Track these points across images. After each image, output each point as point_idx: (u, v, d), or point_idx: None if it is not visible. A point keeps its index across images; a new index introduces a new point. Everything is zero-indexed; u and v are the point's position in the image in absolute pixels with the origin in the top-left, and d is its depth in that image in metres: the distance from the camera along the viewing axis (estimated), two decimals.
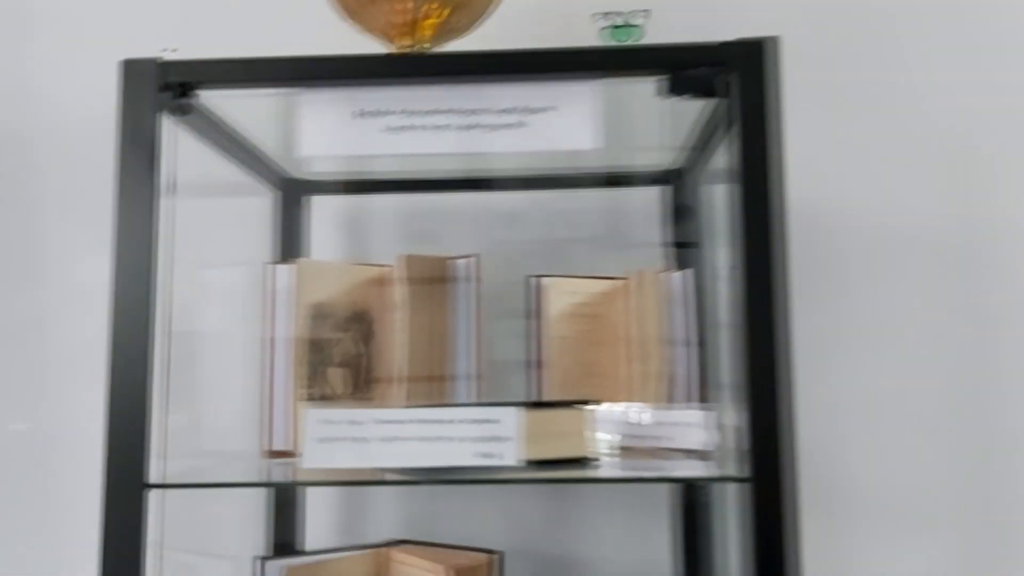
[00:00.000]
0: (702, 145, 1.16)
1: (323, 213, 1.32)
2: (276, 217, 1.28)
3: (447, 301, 1.09)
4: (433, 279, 1.09)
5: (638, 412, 1.02)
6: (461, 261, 1.11)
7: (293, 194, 1.28)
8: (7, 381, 1.38)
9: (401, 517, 1.31)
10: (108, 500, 0.78)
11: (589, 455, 0.90)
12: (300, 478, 1.01)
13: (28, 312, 1.38)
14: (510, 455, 0.82)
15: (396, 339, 1.12)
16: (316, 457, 0.84)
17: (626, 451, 1.01)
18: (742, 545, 0.81)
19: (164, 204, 0.88)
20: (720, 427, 0.99)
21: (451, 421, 0.83)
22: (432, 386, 1.09)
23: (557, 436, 0.88)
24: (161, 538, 0.84)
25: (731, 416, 1.09)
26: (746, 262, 0.83)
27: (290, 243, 1.26)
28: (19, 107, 1.42)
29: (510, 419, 0.83)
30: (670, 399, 1.08)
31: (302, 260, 1.11)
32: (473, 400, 1.09)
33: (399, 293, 1.10)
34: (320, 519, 1.32)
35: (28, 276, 1.39)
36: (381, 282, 1.18)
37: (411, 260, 1.08)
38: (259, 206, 1.28)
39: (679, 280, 1.13)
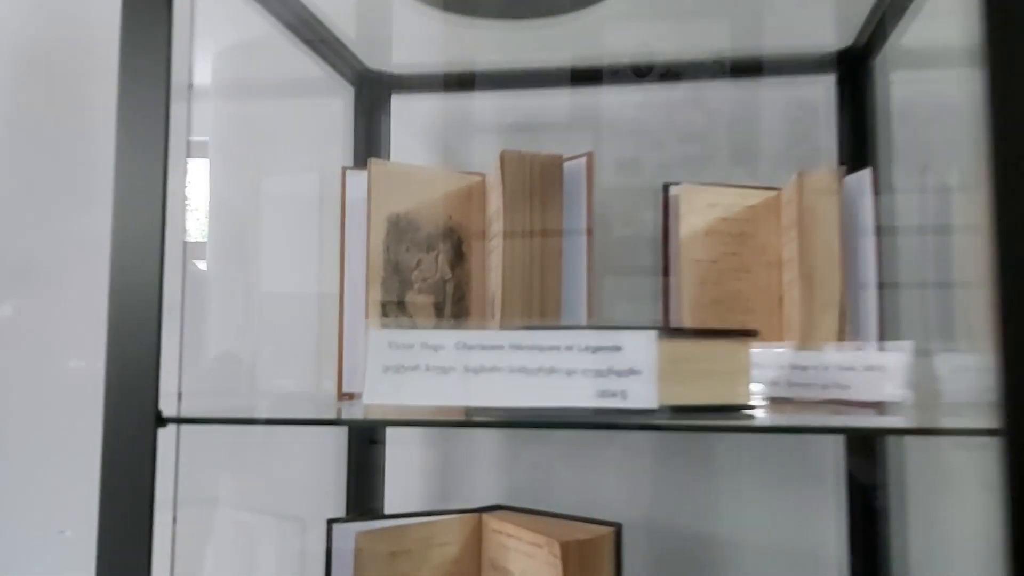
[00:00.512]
0: (885, 19, 0.89)
1: (408, 116, 1.10)
2: (350, 119, 1.07)
3: (556, 212, 0.87)
4: (541, 182, 0.86)
5: (807, 353, 0.77)
6: (572, 162, 0.89)
7: (372, 91, 1.07)
8: (66, 315, 1.23)
9: (496, 477, 1.10)
10: (108, 436, 0.59)
11: (746, 402, 0.67)
12: (367, 416, 0.81)
13: (87, 236, 1.23)
14: (643, 395, 0.59)
15: (491, 259, 0.90)
16: (381, 390, 0.63)
17: (783, 403, 0.77)
18: (984, 510, 0.56)
19: (192, 104, 0.68)
20: (916, 374, 0.74)
21: (561, 347, 0.61)
22: (533, 319, 0.87)
23: (705, 375, 0.65)
24: (176, 487, 0.65)
25: (928, 362, 0.83)
26: (995, 171, 0.56)
27: (366, 151, 1.05)
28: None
29: (643, 347, 0.60)
30: (845, 337, 0.83)
31: (376, 162, 0.91)
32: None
33: (496, 200, 0.88)
34: (402, 478, 1.12)
35: (89, 199, 1.24)
36: (471, 194, 0.96)
37: (512, 158, 0.86)
38: (332, 107, 1.08)
39: (854, 184, 0.87)
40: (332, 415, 0.86)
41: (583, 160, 0.88)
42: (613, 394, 0.60)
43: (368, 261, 0.90)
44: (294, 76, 1.02)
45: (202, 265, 1.18)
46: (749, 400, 0.66)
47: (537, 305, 0.86)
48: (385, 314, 0.91)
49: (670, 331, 0.64)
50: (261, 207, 1.06)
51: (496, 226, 0.90)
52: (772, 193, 0.95)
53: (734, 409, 0.66)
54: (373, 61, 1.06)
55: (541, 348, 0.61)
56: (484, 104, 1.10)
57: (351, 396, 0.93)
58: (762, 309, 0.93)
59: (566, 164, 0.88)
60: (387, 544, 0.89)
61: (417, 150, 1.12)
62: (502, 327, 0.84)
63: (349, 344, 0.95)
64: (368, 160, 0.91)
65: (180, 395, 0.64)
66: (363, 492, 1.07)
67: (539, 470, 1.08)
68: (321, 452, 1.13)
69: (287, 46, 0.95)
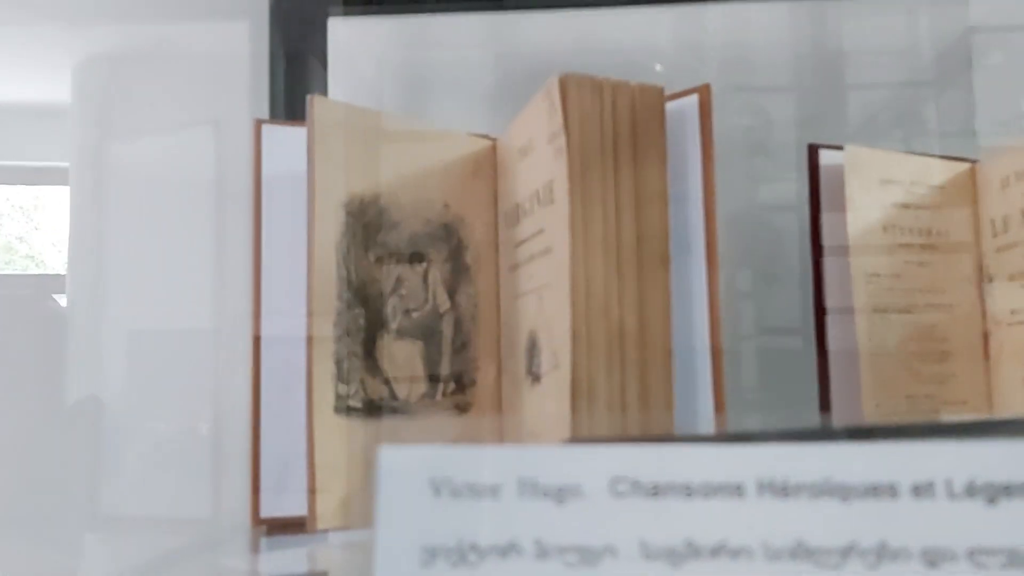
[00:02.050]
0: None
1: (351, 49, 0.70)
2: (263, 56, 0.66)
3: (657, 184, 0.48)
4: (631, 133, 0.48)
5: None
6: (676, 102, 0.50)
7: (296, 10, 0.66)
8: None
9: None
10: None
11: None
12: None
13: None
14: None
15: (519, 277, 0.51)
16: None
17: None
18: None
19: None
20: None
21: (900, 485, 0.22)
22: (627, 397, 0.47)
23: None
24: None
25: None
26: None
27: (288, 104, 0.64)
28: None
29: None
30: None
31: (321, 102, 0.50)
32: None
33: (538, 171, 0.48)
34: None
35: None
36: (478, 169, 0.57)
37: (581, 86, 0.47)
38: (232, 40, 0.67)
39: None
40: None
41: (693, 98, 0.50)
42: None
43: (309, 280, 0.49)
44: None
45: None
46: None
47: (634, 362, 0.46)
48: (342, 378, 0.50)
49: None
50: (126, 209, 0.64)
51: (533, 219, 0.50)
52: (964, 167, 0.59)
53: None
54: None
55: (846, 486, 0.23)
56: (471, 29, 0.70)
57: (273, 525, 0.52)
58: (962, 353, 0.57)
59: (668, 105, 0.50)
60: None
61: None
62: (575, 414, 0.44)
63: (271, 427, 0.54)
64: (308, 99, 0.50)
65: None
66: None
67: None
68: None
69: None
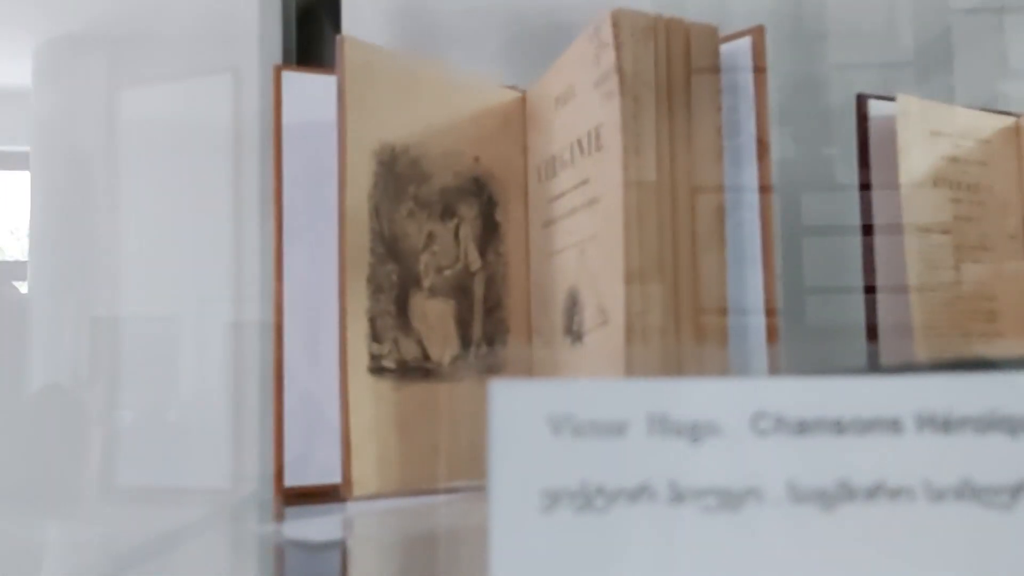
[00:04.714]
0: None
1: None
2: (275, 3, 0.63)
3: (711, 131, 0.46)
4: (684, 76, 0.45)
5: None
6: (729, 45, 0.48)
7: None
8: None
9: None
10: None
11: None
12: None
13: None
14: None
15: (554, 234, 0.49)
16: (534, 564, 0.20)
17: None
18: None
19: None
20: None
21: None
22: (672, 336, 0.45)
23: None
24: None
25: None
26: None
27: (307, 44, 0.61)
28: None
29: None
30: None
31: (352, 42, 0.47)
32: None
33: (607, 109, 0.46)
34: None
35: None
36: (508, 121, 0.55)
37: (634, 24, 0.44)
38: None
39: None
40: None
41: (746, 41, 0.48)
42: None
43: (342, 232, 0.46)
44: None
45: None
46: None
47: (688, 318, 0.44)
48: (376, 338, 0.47)
49: None
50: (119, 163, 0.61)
51: (575, 169, 0.48)
52: (1009, 120, 0.57)
53: None
54: None
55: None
56: None
57: (309, 494, 0.49)
58: (1010, 310, 0.55)
59: (722, 47, 0.47)
60: None
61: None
62: (628, 370, 0.42)
63: (295, 392, 0.51)
64: (337, 40, 0.47)
65: None
66: None
67: None
68: None
69: None
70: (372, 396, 0.46)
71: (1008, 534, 0.20)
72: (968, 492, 0.21)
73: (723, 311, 0.45)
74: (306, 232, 0.51)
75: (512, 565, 0.21)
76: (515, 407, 0.22)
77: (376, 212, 0.47)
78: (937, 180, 0.53)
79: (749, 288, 0.46)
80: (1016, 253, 0.55)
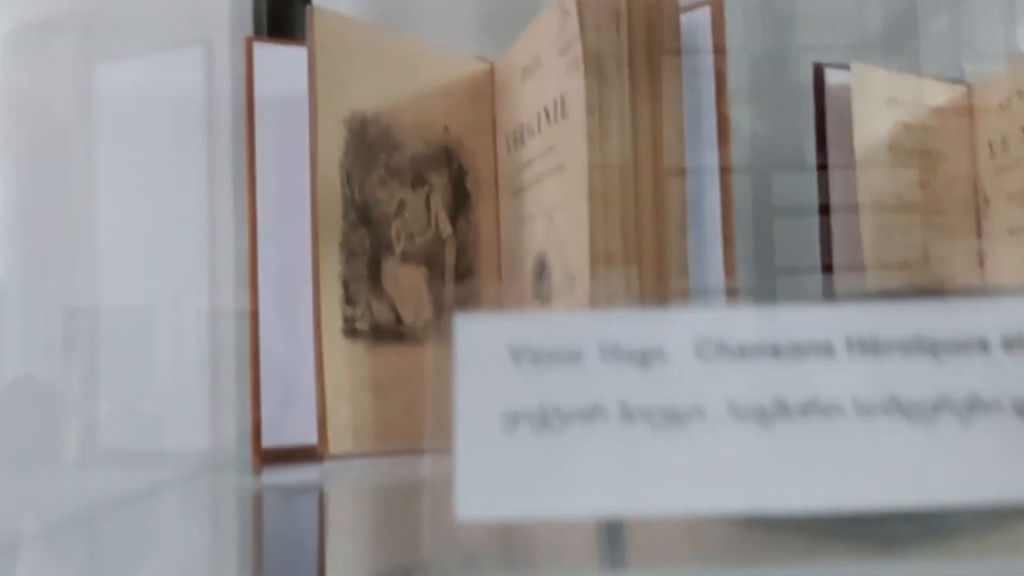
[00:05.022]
0: None
1: None
2: None
3: (674, 102, 0.47)
4: (647, 47, 0.46)
5: None
6: (688, 15, 0.50)
7: None
8: None
9: None
10: None
11: None
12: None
13: None
14: None
15: (523, 202, 0.50)
16: (500, 482, 0.22)
17: None
18: None
19: None
20: None
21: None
22: (636, 296, 0.47)
23: None
24: None
25: None
26: None
27: (278, 16, 0.62)
28: None
29: None
30: None
31: (322, 12, 0.48)
32: None
33: (572, 77, 0.47)
34: None
35: None
36: (477, 92, 0.56)
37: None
38: None
39: None
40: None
41: (704, 10, 0.49)
42: None
43: (313, 197, 0.47)
44: None
45: None
46: None
47: (652, 277, 0.46)
48: (349, 301, 0.48)
49: None
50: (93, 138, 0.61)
51: (542, 137, 0.49)
52: (961, 89, 0.59)
53: None
54: None
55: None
56: None
57: (286, 454, 0.51)
58: (960, 276, 0.57)
59: (683, 17, 0.49)
60: None
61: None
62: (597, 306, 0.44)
63: (270, 356, 0.52)
64: (308, 10, 0.48)
65: None
66: None
67: None
68: None
69: None
70: (346, 357, 0.48)
71: (930, 445, 0.22)
72: (894, 408, 0.22)
73: (685, 269, 0.46)
74: (280, 200, 0.52)
75: (476, 481, 0.22)
76: (479, 338, 0.23)
77: (348, 179, 0.49)
78: (893, 147, 0.55)
79: (710, 266, 0.48)
80: (967, 222, 0.58)
